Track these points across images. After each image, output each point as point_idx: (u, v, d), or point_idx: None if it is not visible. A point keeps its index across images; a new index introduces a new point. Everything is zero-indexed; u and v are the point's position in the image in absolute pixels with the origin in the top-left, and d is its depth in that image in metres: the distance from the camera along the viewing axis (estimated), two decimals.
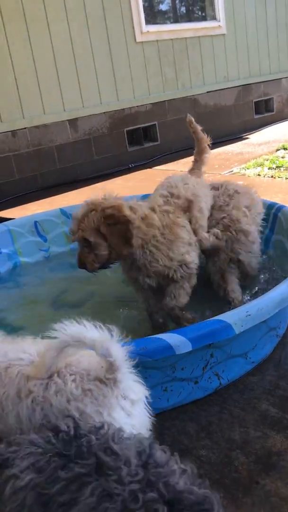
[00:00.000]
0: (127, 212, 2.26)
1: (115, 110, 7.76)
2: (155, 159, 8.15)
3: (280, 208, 3.43)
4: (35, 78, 6.77)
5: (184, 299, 2.56)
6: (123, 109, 7.86)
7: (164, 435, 2.19)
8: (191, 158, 3.35)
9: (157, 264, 2.42)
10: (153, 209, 2.48)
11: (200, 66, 8.90)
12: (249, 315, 2.14)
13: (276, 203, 3.51)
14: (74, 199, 6.31)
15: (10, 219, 5.55)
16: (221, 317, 2.13)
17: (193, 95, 8.85)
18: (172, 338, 2.01)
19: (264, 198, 3.50)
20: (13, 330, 3.05)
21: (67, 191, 6.76)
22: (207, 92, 9.08)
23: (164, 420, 2.28)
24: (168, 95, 8.43)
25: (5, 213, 6.03)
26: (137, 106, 8.01)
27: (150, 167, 7.67)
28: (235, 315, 2.14)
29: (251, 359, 2.47)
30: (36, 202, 6.40)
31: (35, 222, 4.04)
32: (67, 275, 3.63)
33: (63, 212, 4.13)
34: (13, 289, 3.70)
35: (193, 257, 2.55)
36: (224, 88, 9.36)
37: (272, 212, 3.44)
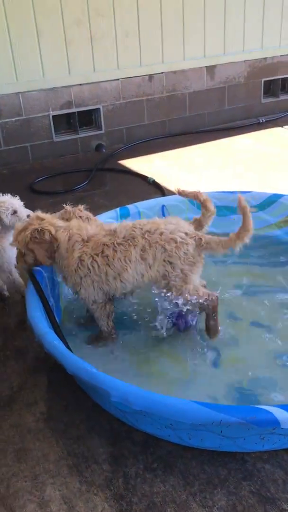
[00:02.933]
0: (47, 236, 2.88)
1: (256, 59, 7.37)
2: None
3: None
4: (180, 21, 6.55)
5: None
6: (265, 58, 7.43)
7: (254, 476, 2.48)
8: None
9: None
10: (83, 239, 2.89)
11: None
12: None
13: None
14: (199, 157, 6.35)
15: (134, 172, 5.76)
16: None
17: None
18: (280, 413, 2.22)
19: None
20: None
21: (192, 144, 6.77)
22: None
23: (256, 460, 2.56)
24: None
25: (130, 163, 6.23)
26: (280, 55, 7.53)
27: (281, 126, 7.36)
28: None
29: None
30: (162, 153, 6.50)
31: (163, 206, 4.21)
32: None
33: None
34: None
35: (83, 293, 2.94)
36: None
37: None
